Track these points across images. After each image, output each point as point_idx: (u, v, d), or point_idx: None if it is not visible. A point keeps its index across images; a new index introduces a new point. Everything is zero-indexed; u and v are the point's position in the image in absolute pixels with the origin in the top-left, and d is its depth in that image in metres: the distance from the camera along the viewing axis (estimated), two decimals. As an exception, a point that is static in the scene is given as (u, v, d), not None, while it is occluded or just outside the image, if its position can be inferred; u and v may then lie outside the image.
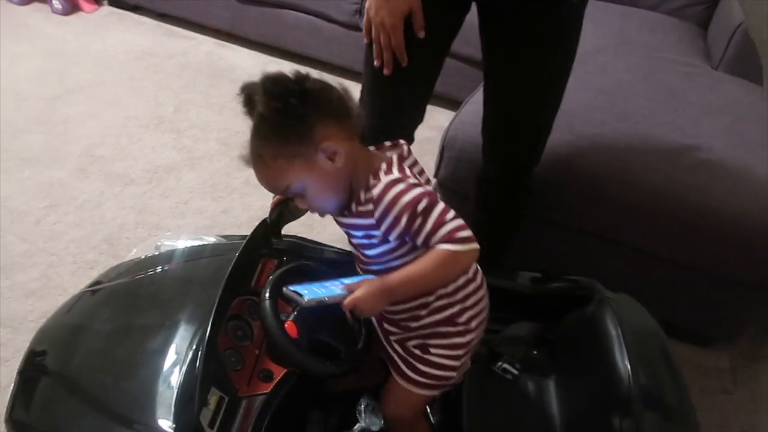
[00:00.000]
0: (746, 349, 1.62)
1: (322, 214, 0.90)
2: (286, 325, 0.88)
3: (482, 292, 0.96)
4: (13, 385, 0.96)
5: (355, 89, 2.78)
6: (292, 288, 0.84)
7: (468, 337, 0.93)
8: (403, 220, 0.80)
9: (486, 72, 1.20)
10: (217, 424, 0.81)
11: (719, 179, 1.40)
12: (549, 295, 1.10)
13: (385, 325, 0.97)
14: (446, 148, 1.54)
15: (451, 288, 0.91)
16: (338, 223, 0.91)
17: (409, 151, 0.92)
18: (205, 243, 1.18)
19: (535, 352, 1.07)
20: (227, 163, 2.05)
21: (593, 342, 0.93)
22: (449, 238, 0.79)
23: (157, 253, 1.16)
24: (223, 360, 0.87)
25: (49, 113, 2.20)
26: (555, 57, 1.11)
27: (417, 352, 0.94)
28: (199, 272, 1.09)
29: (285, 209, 1.06)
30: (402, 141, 0.92)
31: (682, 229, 1.41)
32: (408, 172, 0.84)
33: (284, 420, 0.91)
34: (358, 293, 0.81)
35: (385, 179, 0.81)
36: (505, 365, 1.04)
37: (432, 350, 0.93)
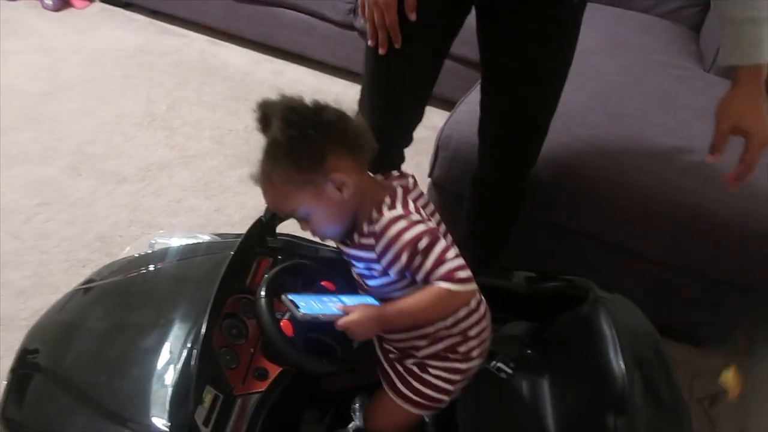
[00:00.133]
0: (739, 349, 1.63)
1: (323, 239, 0.91)
2: (281, 324, 0.88)
3: (485, 323, 0.95)
4: (5, 383, 0.95)
5: (348, 89, 2.78)
6: (290, 297, 0.84)
7: (468, 365, 0.94)
8: (404, 257, 0.81)
9: (484, 72, 1.20)
10: (212, 422, 0.81)
11: (711, 181, 1.41)
12: (543, 294, 1.11)
13: (384, 345, 0.97)
14: (441, 148, 1.54)
15: (450, 321, 0.91)
16: (341, 251, 0.92)
17: (415, 183, 0.92)
18: (199, 241, 1.18)
19: (529, 351, 1.07)
20: (220, 162, 2.05)
21: (588, 342, 0.94)
22: (448, 277, 0.80)
23: (150, 251, 1.16)
24: (218, 358, 0.87)
25: (39, 110, 2.18)
26: (554, 58, 1.12)
27: (415, 369, 0.94)
28: (193, 271, 1.09)
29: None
30: (409, 173, 0.93)
31: (674, 230, 1.42)
32: (412, 206, 0.85)
33: (279, 418, 0.91)
34: (353, 316, 0.82)
35: (388, 215, 0.82)
36: (500, 364, 1.04)
37: (431, 370, 0.93)
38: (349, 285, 0.95)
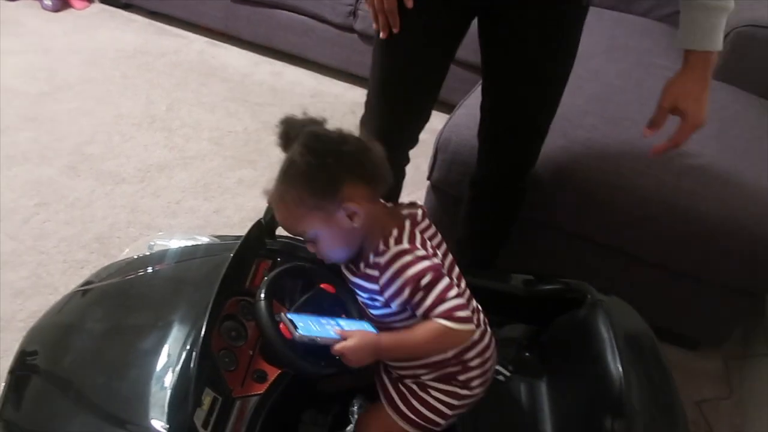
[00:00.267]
0: (734, 351, 1.64)
1: (327, 262, 0.92)
2: (280, 326, 0.88)
3: (489, 353, 0.95)
4: (3, 384, 0.95)
5: (348, 91, 2.77)
6: (289, 315, 0.85)
7: (468, 392, 0.94)
8: (406, 291, 0.82)
9: (484, 73, 1.20)
10: (211, 424, 0.81)
11: (708, 184, 1.42)
12: (541, 297, 1.11)
13: (385, 365, 0.98)
14: (440, 151, 1.54)
15: (451, 353, 0.91)
16: (346, 279, 0.93)
17: (424, 215, 0.93)
18: (198, 243, 1.18)
19: (527, 354, 1.08)
20: (219, 163, 2.05)
21: (585, 344, 0.94)
22: (447, 316, 0.81)
23: (149, 252, 1.16)
24: (216, 360, 0.87)
25: (38, 110, 2.18)
26: (554, 58, 1.12)
27: (415, 388, 0.94)
28: (192, 272, 1.09)
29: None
30: (419, 203, 0.94)
31: (671, 233, 1.43)
32: (419, 240, 0.86)
33: (277, 420, 0.91)
34: (349, 343, 0.83)
35: (393, 249, 0.83)
36: (497, 367, 1.04)
37: (431, 392, 0.93)
38: (348, 288, 0.95)
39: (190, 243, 1.17)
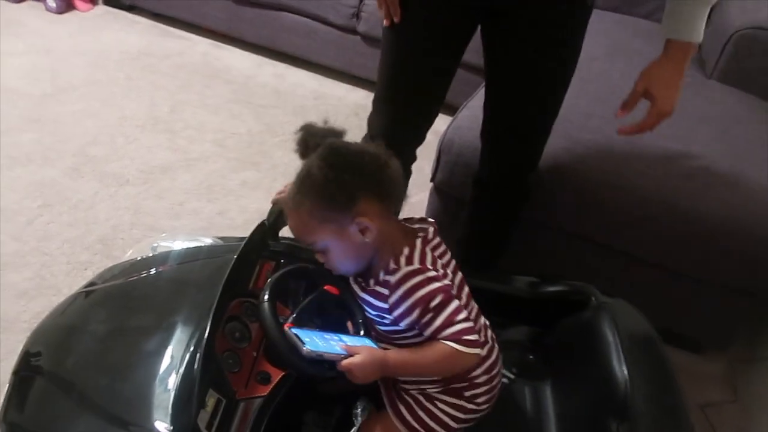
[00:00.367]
0: (739, 354, 1.63)
1: (335, 273, 0.92)
2: (284, 328, 0.88)
3: (495, 370, 0.95)
4: (7, 385, 0.95)
5: (350, 93, 2.77)
6: (294, 331, 0.84)
7: (475, 407, 0.93)
8: (416, 312, 0.83)
9: (487, 73, 1.20)
10: (215, 426, 0.80)
11: (711, 186, 1.42)
12: (545, 299, 1.11)
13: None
14: (443, 153, 1.54)
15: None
16: (355, 294, 0.93)
17: (435, 232, 0.93)
18: (202, 244, 1.18)
19: (531, 356, 1.07)
20: (223, 165, 2.05)
21: (590, 347, 0.94)
22: (455, 339, 0.82)
23: (152, 254, 1.16)
24: (220, 362, 0.86)
25: (42, 112, 2.18)
26: (556, 60, 1.12)
27: (421, 398, 0.93)
28: (196, 274, 1.09)
29: (282, 212, 1.07)
30: (431, 219, 0.94)
31: (674, 234, 1.42)
32: (429, 259, 0.86)
33: (280, 422, 0.90)
34: (356, 359, 0.83)
35: (404, 269, 0.83)
36: (501, 369, 1.04)
37: (437, 404, 0.93)
38: (353, 291, 0.95)
39: (193, 244, 1.17)
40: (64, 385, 0.91)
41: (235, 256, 0.94)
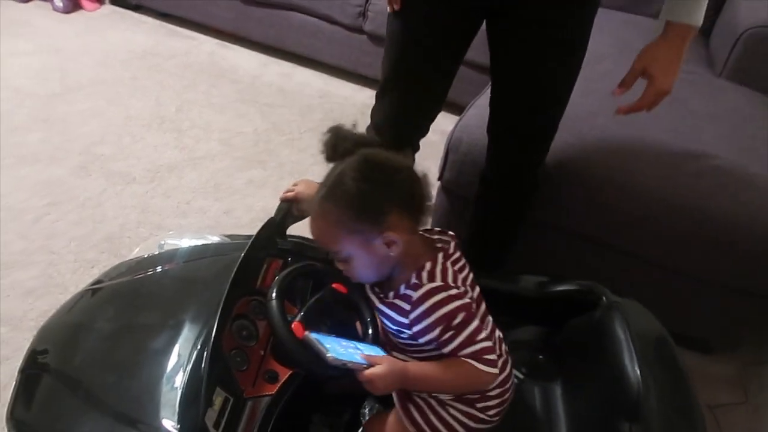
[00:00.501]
0: (750, 356, 1.62)
1: (354, 280, 0.91)
2: (292, 326, 0.87)
3: (509, 383, 0.95)
4: (14, 383, 0.95)
5: (357, 92, 2.77)
6: (314, 336, 0.83)
7: (487, 418, 0.93)
8: (437, 330, 0.82)
9: (491, 71, 1.20)
10: (222, 425, 0.80)
11: (721, 186, 1.40)
12: (553, 298, 1.10)
13: None
14: (451, 152, 1.53)
15: None
16: (373, 305, 0.93)
17: (456, 247, 0.91)
18: (209, 242, 1.18)
19: (540, 356, 1.06)
20: (229, 164, 2.05)
21: (601, 347, 0.93)
22: (475, 357, 0.82)
23: (160, 251, 1.16)
24: (228, 360, 0.86)
25: (49, 111, 2.19)
26: (559, 60, 1.11)
27: (433, 402, 0.93)
28: (203, 272, 1.08)
29: (290, 210, 1.06)
30: (451, 233, 0.93)
31: (682, 235, 1.41)
32: (450, 274, 0.85)
33: (288, 421, 0.90)
34: (378, 370, 0.82)
35: (427, 285, 0.83)
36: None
37: (449, 409, 0.92)
38: (361, 288, 0.95)
39: (200, 242, 1.17)
40: (71, 383, 0.91)
41: (243, 254, 0.94)
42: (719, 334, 1.58)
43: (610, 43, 1.94)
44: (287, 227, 1.07)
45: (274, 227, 1.04)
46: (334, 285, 0.95)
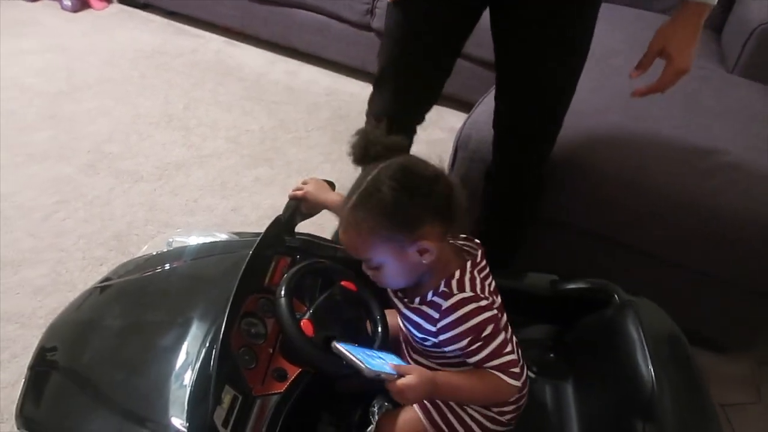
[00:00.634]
0: (764, 356, 1.60)
1: (381, 286, 0.91)
2: (301, 324, 0.86)
3: (525, 389, 0.95)
4: (23, 380, 0.95)
5: (364, 90, 2.76)
6: (343, 345, 0.82)
7: (503, 420, 0.93)
8: (465, 340, 0.82)
9: (497, 63, 1.19)
10: (231, 423, 0.79)
11: (734, 183, 1.39)
12: (565, 297, 1.09)
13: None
14: (460, 148, 1.52)
15: None
16: (396, 307, 0.92)
17: (483, 255, 0.90)
18: (217, 240, 1.17)
19: (552, 354, 1.05)
20: (236, 161, 2.04)
21: (614, 345, 0.92)
22: (502, 370, 0.82)
23: (168, 249, 1.15)
24: (236, 358, 0.85)
25: (57, 109, 2.19)
26: (559, 60, 1.10)
27: (452, 402, 0.92)
28: (211, 269, 1.08)
29: (299, 208, 1.06)
30: (477, 240, 0.92)
31: (695, 233, 1.39)
32: (479, 285, 0.85)
33: (297, 419, 0.89)
34: (409, 380, 0.80)
35: (458, 295, 0.82)
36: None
37: (468, 410, 0.92)
38: (371, 285, 0.94)
39: (208, 240, 1.16)
40: (80, 381, 0.91)
41: (251, 252, 0.93)
42: (732, 334, 1.56)
43: (622, 39, 1.92)
44: (295, 225, 1.07)
45: (283, 225, 1.03)
46: (343, 282, 0.95)
